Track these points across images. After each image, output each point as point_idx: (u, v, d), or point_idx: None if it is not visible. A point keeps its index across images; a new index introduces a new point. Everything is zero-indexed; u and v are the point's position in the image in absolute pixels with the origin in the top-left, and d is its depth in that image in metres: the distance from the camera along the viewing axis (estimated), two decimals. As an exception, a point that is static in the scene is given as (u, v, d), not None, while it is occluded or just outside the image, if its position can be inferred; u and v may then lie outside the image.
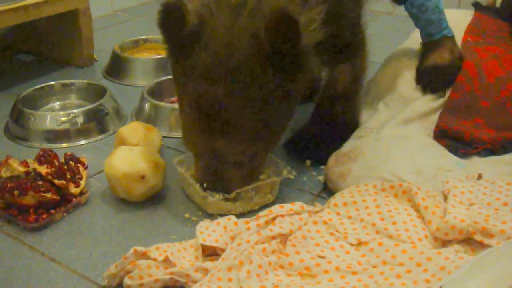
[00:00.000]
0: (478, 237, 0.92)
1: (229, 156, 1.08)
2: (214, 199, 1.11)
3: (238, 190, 1.12)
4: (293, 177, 1.19)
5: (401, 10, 2.62)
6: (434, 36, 1.44)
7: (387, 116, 1.39)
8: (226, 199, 1.13)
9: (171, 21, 1.03)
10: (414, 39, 1.59)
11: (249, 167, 1.13)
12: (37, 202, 1.11)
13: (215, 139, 1.06)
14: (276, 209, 1.03)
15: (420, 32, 1.49)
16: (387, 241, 0.95)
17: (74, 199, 1.17)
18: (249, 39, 1.01)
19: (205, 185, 1.13)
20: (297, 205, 1.04)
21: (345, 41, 1.26)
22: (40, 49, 2.07)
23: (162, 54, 1.96)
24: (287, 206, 1.03)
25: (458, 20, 1.61)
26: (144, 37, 2.09)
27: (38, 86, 1.63)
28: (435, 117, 1.33)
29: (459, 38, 1.52)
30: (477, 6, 1.75)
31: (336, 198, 1.09)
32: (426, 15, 1.41)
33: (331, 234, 1.00)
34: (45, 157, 1.19)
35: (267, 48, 1.00)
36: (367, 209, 1.03)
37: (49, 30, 2.00)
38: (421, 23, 1.44)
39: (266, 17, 0.98)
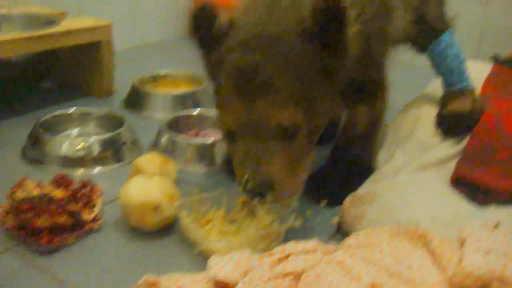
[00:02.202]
0: (495, 285, 0.90)
1: (270, 119, 1.02)
2: (220, 245, 1.08)
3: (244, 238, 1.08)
4: (301, 224, 1.17)
5: (419, 60, 2.65)
6: (455, 86, 1.45)
7: (404, 161, 1.39)
8: (231, 247, 1.07)
9: (202, 23, 1.09)
10: (434, 87, 1.60)
11: (293, 151, 1.06)
12: (51, 225, 1.11)
13: (254, 100, 1.02)
14: (290, 246, 1.02)
15: (442, 82, 1.50)
16: (402, 284, 0.93)
17: (87, 225, 1.16)
18: (290, 18, 1.05)
19: (245, 177, 1.05)
20: (312, 243, 1.03)
21: (368, 79, 1.28)
22: (62, 78, 2.11)
23: (180, 89, 1.98)
24: (302, 244, 1.02)
25: (477, 72, 1.62)
26: (163, 73, 2.12)
27: (58, 113, 1.65)
28: (452, 164, 1.32)
29: (477, 90, 1.53)
30: (495, 59, 1.77)
31: (351, 240, 1.07)
32: (447, 63, 1.42)
33: (345, 275, 0.98)
34: (60, 182, 1.20)
35: (312, 27, 1.03)
36: (382, 252, 1.02)
37: (72, 60, 2.04)
38: (442, 71, 1.46)
39: (313, 4, 1.02)
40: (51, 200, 1.15)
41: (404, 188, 1.24)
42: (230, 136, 1.10)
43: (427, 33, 1.43)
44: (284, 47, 1.03)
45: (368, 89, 1.32)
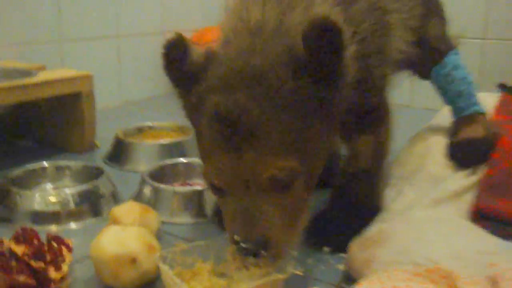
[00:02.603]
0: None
1: (262, 171, 0.88)
2: None
3: None
4: (300, 273, 1.02)
5: (419, 102, 2.59)
6: (465, 111, 1.33)
7: (414, 197, 1.26)
8: None
9: (174, 58, 0.95)
10: (440, 119, 1.48)
11: (289, 203, 0.92)
12: (9, 285, 0.94)
13: (240, 151, 0.88)
14: (291, 295, 0.86)
15: (451, 109, 1.37)
16: (428, 334, 0.77)
17: (52, 285, 1.00)
18: (275, 48, 0.91)
19: (235, 237, 0.91)
20: (315, 291, 0.87)
21: (368, 105, 1.15)
22: (42, 135, 1.97)
23: (168, 139, 1.85)
24: (304, 292, 0.86)
25: (485, 102, 1.51)
26: (149, 124, 2.00)
27: (30, 167, 1.51)
28: (468, 197, 1.19)
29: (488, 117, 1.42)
30: (502, 87, 1.66)
31: (363, 286, 0.91)
32: (453, 86, 1.31)
33: (357, 327, 0.82)
34: (23, 236, 1.04)
35: (302, 56, 0.88)
36: (400, 297, 0.86)
37: (52, 115, 1.91)
38: (449, 96, 1.34)
39: (307, 23, 0.87)
40: (11, 257, 0.99)
41: (419, 225, 1.10)
42: (217, 190, 0.96)
43: (430, 55, 1.32)
44: (270, 83, 0.89)
45: (369, 116, 1.18)
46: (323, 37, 0.87)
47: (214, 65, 0.95)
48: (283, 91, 0.89)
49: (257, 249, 0.90)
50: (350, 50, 0.97)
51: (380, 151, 1.24)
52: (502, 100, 1.55)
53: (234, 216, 0.92)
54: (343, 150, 1.30)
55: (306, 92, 0.90)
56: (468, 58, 2.34)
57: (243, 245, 0.90)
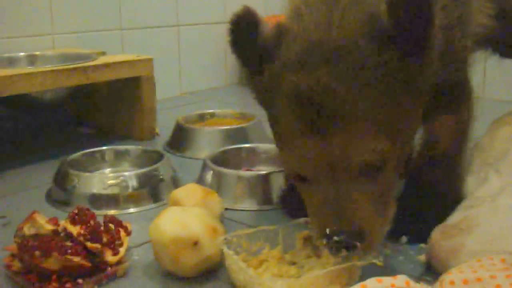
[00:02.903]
0: None
1: (352, 156, 0.80)
2: (278, 287, 0.83)
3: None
4: (380, 263, 0.92)
5: (490, 93, 2.44)
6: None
7: (500, 184, 1.13)
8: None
9: (243, 34, 0.87)
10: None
11: (380, 189, 0.84)
12: (62, 267, 0.88)
13: (327, 135, 0.80)
14: (372, 283, 0.76)
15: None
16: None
17: (109, 269, 0.94)
18: (355, 19, 0.82)
19: (327, 231, 0.83)
20: (401, 280, 0.77)
21: (451, 81, 1.04)
22: (101, 122, 1.95)
23: (230, 125, 1.78)
24: (388, 281, 0.76)
25: None
26: (211, 111, 1.93)
27: (88, 151, 1.47)
28: None
29: None
30: None
31: (453, 275, 0.81)
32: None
33: (448, 321, 0.72)
34: (79, 216, 0.98)
35: (387, 26, 0.79)
36: (499, 288, 0.75)
37: (111, 101, 1.89)
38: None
39: None
40: (66, 237, 0.94)
41: (509, 212, 0.98)
42: (300, 179, 0.87)
43: (512, 31, 1.20)
44: (354, 58, 0.80)
45: (451, 93, 1.07)
46: (412, 4, 0.78)
47: (288, 41, 0.87)
48: (368, 67, 0.80)
49: (352, 242, 0.82)
50: (437, 20, 0.87)
51: (462, 133, 1.14)
52: None
53: (322, 207, 0.84)
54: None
55: (393, 66, 0.81)
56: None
57: (336, 238, 0.82)
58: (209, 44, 2.70)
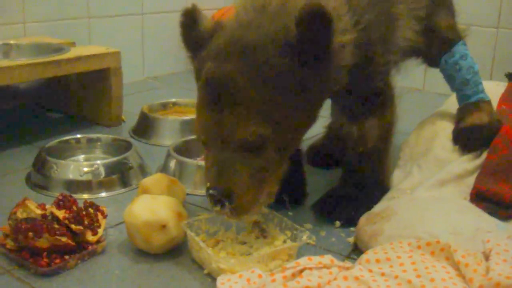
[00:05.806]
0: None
1: (235, 133, 1.00)
2: (230, 264, 1.02)
3: (254, 254, 1.05)
4: (313, 243, 1.12)
5: (430, 86, 2.65)
6: (471, 98, 1.40)
7: (420, 178, 1.34)
8: (241, 266, 1.02)
9: (188, 26, 1.08)
10: (449, 105, 1.56)
11: (258, 164, 1.03)
12: (51, 245, 1.06)
13: (222, 112, 1.00)
14: (304, 261, 0.96)
15: (457, 96, 1.45)
16: (425, 299, 0.87)
17: (90, 247, 1.11)
18: (272, 26, 1.01)
19: (207, 184, 1.04)
20: (327, 259, 0.97)
21: (373, 89, 1.24)
22: (69, 107, 2.08)
23: (190, 116, 1.95)
24: (316, 259, 0.97)
25: (491, 90, 1.57)
26: (173, 100, 2.09)
27: (64, 138, 1.62)
28: (470, 180, 1.27)
29: (493, 107, 1.48)
30: (510, 76, 1.72)
31: (369, 254, 1.01)
32: (460, 75, 1.38)
33: (363, 291, 0.92)
34: (64, 202, 1.15)
35: (294, 36, 0.98)
36: (402, 266, 0.96)
37: (80, 89, 2.02)
38: (456, 84, 1.41)
39: (298, 10, 0.97)
40: (53, 220, 1.10)
41: (423, 204, 1.19)
42: (203, 143, 1.09)
43: (439, 44, 1.40)
44: (258, 56, 1.00)
45: (375, 100, 1.27)
46: (314, 24, 0.97)
47: (217, 35, 1.07)
48: (268, 65, 1.00)
49: (220, 198, 1.02)
50: (349, 37, 1.07)
51: (386, 132, 1.32)
52: (508, 89, 1.61)
53: (210, 167, 1.05)
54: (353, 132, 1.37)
55: (290, 70, 1.01)
56: (481, 46, 2.41)
57: (210, 191, 1.03)
58: (170, 31, 2.82)
